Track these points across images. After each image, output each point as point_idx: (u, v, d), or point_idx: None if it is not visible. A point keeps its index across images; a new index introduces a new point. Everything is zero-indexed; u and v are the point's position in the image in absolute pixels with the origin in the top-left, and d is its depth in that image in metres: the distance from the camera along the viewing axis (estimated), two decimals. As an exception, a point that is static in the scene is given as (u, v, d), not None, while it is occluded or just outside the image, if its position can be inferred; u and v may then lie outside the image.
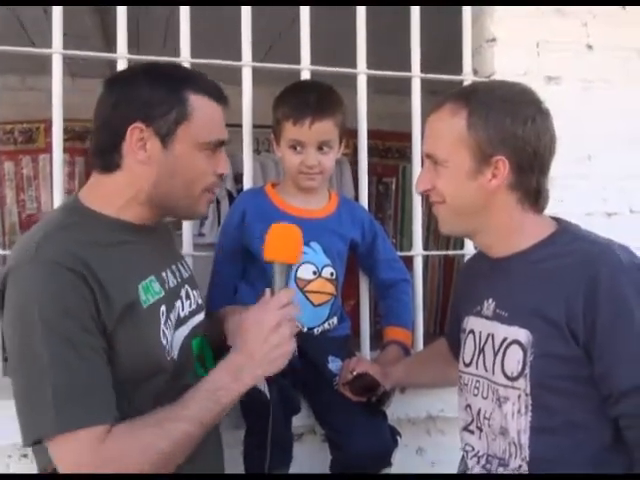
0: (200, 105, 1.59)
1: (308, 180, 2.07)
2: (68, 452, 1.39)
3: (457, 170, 1.64)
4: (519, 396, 1.60)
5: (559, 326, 1.53)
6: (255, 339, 1.54)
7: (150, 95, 1.56)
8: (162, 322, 1.60)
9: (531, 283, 1.62)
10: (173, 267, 1.75)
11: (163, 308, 1.61)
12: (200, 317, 1.81)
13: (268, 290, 1.61)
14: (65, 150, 2.26)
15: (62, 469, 1.41)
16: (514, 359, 1.60)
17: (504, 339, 1.64)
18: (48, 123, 2.26)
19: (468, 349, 1.78)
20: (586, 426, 1.56)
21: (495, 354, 1.66)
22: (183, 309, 1.72)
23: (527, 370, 1.57)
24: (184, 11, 2.30)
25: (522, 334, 1.59)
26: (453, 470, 1.88)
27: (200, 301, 1.84)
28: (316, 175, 2.06)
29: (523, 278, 1.64)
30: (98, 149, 1.62)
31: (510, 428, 1.62)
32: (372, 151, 2.49)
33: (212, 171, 1.65)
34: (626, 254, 1.55)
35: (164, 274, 1.69)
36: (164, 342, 1.59)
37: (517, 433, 1.61)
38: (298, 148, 2.03)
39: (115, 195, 1.61)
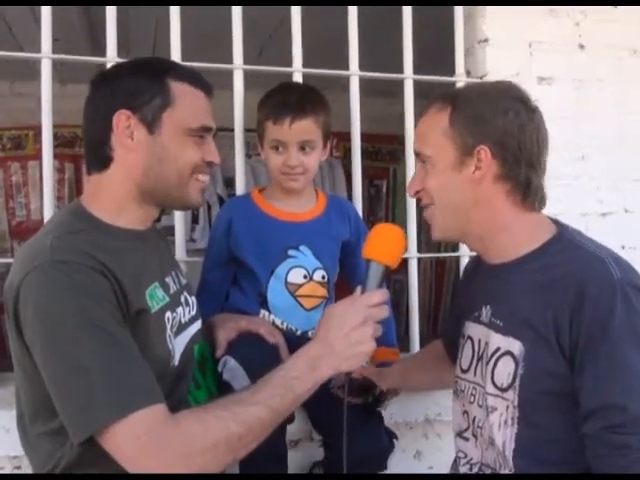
0: (183, 91, 1.60)
1: (290, 181, 2.05)
2: (127, 437, 1.34)
3: (442, 164, 1.63)
4: (507, 407, 1.58)
5: (548, 340, 1.50)
6: (337, 332, 1.50)
7: (132, 84, 1.58)
8: (168, 328, 1.59)
9: (525, 293, 1.59)
10: (173, 274, 1.75)
11: (168, 314, 1.61)
12: (198, 324, 1.80)
13: (359, 287, 1.58)
14: (54, 156, 2.24)
15: (123, 457, 1.36)
16: (505, 370, 1.58)
17: (497, 349, 1.62)
18: (37, 129, 2.24)
19: (466, 355, 1.76)
20: (571, 443, 1.52)
21: (487, 363, 1.64)
22: (184, 315, 1.71)
23: (517, 382, 1.55)
24: (174, 13, 2.29)
25: (516, 346, 1.57)
26: (451, 474, 1.86)
27: (197, 307, 1.83)
28: (299, 176, 2.04)
29: (518, 288, 1.61)
30: (90, 147, 1.62)
31: (496, 439, 1.60)
32: (363, 153, 2.49)
33: (200, 158, 1.64)
34: (621, 269, 1.49)
35: (167, 280, 1.69)
36: (170, 348, 1.58)
37: (502, 444, 1.59)
38: (280, 148, 2.02)
39: (112, 195, 1.60)
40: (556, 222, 1.68)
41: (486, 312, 1.69)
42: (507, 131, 1.57)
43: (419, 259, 2.57)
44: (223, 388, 1.83)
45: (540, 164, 1.62)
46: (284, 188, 2.08)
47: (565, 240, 1.61)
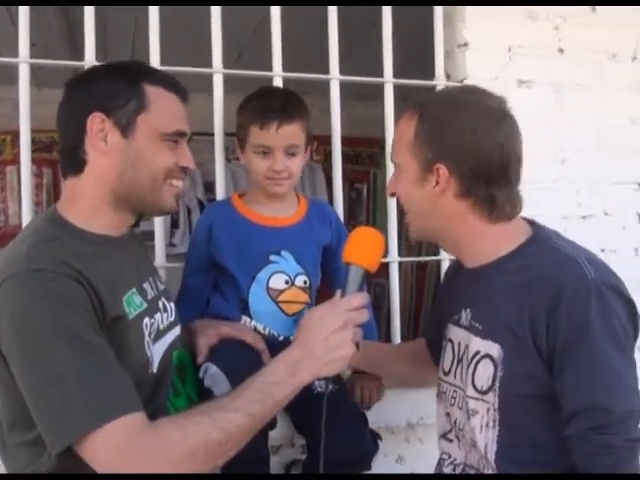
0: (158, 96, 1.60)
1: (276, 186, 2.04)
2: (105, 446, 1.33)
3: (407, 176, 1.65)
4: (488, 410, 1.58)
5: (526, 342, 1.51)
6: (316, 336, 1.50)
7: (107, 88, 1.57)
8: (146, 335, 1.58)
9: (503, 296, 1.59)
10: (150, 279, 1.73)
11: (146, 320, 1.60)
12: (177, 330, 1.78)
13: (339, 290, 1.58)
14: (32, 161, 2.22)
15: (102, 467, 1.34)
16: (485, 374, 1.59)
17: (477, 352, 1.62)
18: (15, 134, 2.23)
19: (447, 358, 1.76)
20: (553, 445, 1.54)
21: (467, 366, 1.65)
22: (162, 322, 1.69)
23: (496, 385, 1.56)
24: (153, 14, 2.28)
25: (494, 349, 1.57)
26: (433, 478, 1.86)
27: (176, 313, 1.81)
28: (284, 180, 2.03)
29: (497, 290, 1.62)
30: (64, 150, 1.61)
31: (478, 441, 1.61)
32: (343, 157, 2.49)
33: (174, 163, 1.63)
34: (596, 269, 1.50)
35: (145, 286, 1.67)
36: (148, 354, 1.57)
37: (484, 447, 1.59)
38: (265, 153, 2.01)
39: (87, 200, 1.58)
40: (532, 223, 1.69)
41: (466, 315, 1.70)
42: (464, 150, 1.57)
43: (400, 263, 2.57)
44: (204, 395, 1.81)
45: (506, 178, 1.61)
46: (268, 193, 2.07)
47: (541, 241, 1.61)
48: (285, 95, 2.08)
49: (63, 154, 1.62)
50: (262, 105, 2.01)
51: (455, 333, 1.74)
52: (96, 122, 1.54)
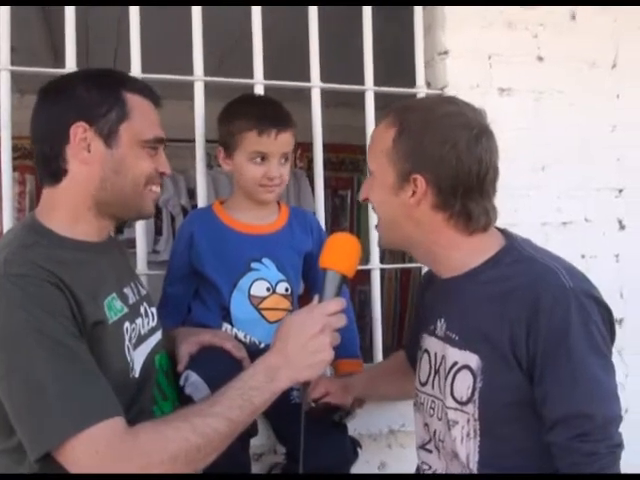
0: (136, 103, 1.61)
1: (268, 193, 2.04)
2: (85, 452, 1.33)
3: (383, 183, 1.65)
4: (468, 420, 1.58)
5: (505, 353, 1.51)
6: (294, 342, 1.51)
7: (88, 97, 1.57)
8: (126, 340, 1.57)
9: (478, 306, 1.59)
10: (132, 284, 1.73)
11: (127, 325, 1.59)
12: (159, 335, 1.78)
13: (316, 296, 1.59)
14: (15, 168, 2.21)
15: (82, 472, 1.34)
16: (464, 384, 1.59)
17: (455, 363, 1.62)
18: (-4, 141, 2.21)
19: (424, 368, 1.76)
20: (535, 454, 1.54)
21: (445, 377, 1.65)
22: (143, 327, 1.70)
23: (476, 396, 1.56)
24: (134, 15, 2.28)
25: (473, 360, 1.58)
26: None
27: (157, 318, 1.81)
28: (276, 187, 2.04)
29: (471, 300, 1.62)
30: (42, 159, 1.60)
31: (460, 452, 1.60)
32: (326, 164, 2.49)
33: (154, 169, 1.65)
34: (571, 277, 1.51)
35: (126, 291, 1.67)
36: (129, 359, 1.56)
37: (466, 457, 1.59)
38: (260, 160, 2.01)
39: (67, 207, 1.58)
40: (503, 232, 1.70)
41: (441, 325, 1.70)
42: (443, 162, 1.56)
43: (382, 270, 2.57)
44: (185, 402, 1.80)
45: (483, 191, 1.61)
46: (257, 200, 2.07)
47: (515, 251, 1.62)
48: (276, 103, 2.09)
49: (40, 163, 1.61)
50: (258, 112, 2.01)
51: (431, 343, 1.74)
52: (79, 132, 1.55)
